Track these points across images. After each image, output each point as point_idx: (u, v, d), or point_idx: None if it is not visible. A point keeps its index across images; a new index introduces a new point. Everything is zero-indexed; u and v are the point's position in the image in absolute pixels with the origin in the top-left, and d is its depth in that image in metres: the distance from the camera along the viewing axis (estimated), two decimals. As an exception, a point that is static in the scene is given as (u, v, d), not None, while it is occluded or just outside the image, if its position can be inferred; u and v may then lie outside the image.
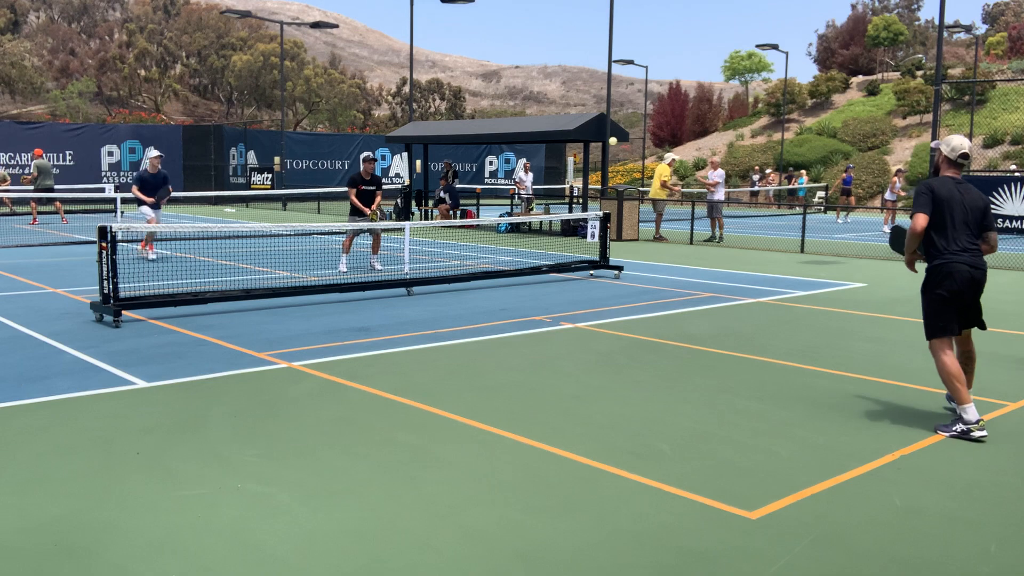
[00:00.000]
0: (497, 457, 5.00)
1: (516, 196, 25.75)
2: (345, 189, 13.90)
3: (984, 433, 5.38)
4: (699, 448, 5.20)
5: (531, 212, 23.75)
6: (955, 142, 5.73)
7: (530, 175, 24.76)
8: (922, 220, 5.57)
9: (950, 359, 5.55)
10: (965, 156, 5.73)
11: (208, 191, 32.60)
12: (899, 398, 6.35)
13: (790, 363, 7.48)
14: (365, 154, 13.82)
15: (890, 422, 5.78)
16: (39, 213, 25.10)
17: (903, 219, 28.71)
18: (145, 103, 63.24)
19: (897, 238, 6.36)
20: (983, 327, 5.84)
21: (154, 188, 13.89)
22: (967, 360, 5.87)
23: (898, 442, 5.34)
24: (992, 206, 15.34)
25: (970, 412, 5.41)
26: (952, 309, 5.62)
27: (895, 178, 25.04)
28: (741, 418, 5.82)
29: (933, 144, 6.15)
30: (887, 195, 25.13)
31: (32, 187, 22.35)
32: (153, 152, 14.10)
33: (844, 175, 30.39)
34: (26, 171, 23.17)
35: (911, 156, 39.85)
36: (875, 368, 7.30)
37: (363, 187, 13.26)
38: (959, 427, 5.43)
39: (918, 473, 4.82)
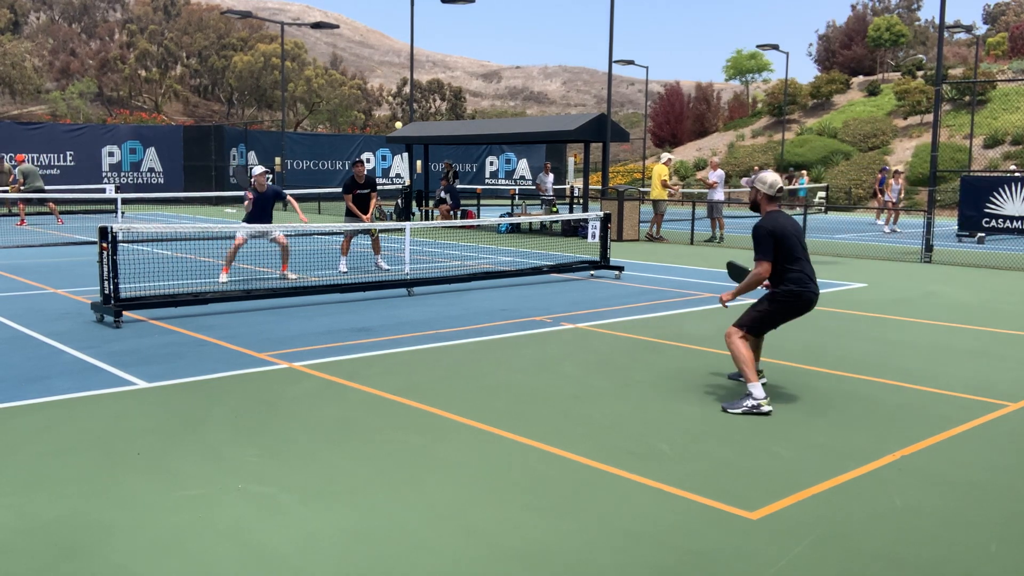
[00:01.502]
0: (498, 457, 5.01)
1: (518, 197, 25.71)
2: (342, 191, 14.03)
3: (771, 408, 5.94)
4: (699, 448, 5.21)
5: (554, 213, 23.48)
6: (770, 179, 6.24)
7: (550, 176, 24.26)
8: (767, 268, 6.10)
9: (747, 348, 6.15)
10: (780, 190, 6.27)
11: (208, 191, 32.60)
12: (899, 398, 6.35)
13: (790, 363, 7.48)
14: (364, 158, 13.86)
15: (890, 422, 5.79)
16: (35, 214, 25.09)
17: (885, 227, 28.68)
18: (146, 103, 63.29)
19: (735, 273, 6.90)
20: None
21: (264, 206, 12.19)
22: (758, 348, 6.51)
23: (898, 442, 5.34)
24: (992, 206, 15.44)
25: (759, 389, 5.98)
26: (779, 320, 6.29)
27: (893, 179, 24.97)
28: (741, 418, 5.82)
29: (744, 181, 6.68)
30: (886, 195, 25.12)
31: (22, 190, 22.26)
32: (258, 168, 11.88)
33: (879, 175, 28.92)
34: (14, 174, 23.00)
35: (912, 156, 39.84)
36: (875, 368, 7.30)
37: (358, 191, 13.43)
38: (749, 402, 5.95)
39: (918, 473, 4.83)
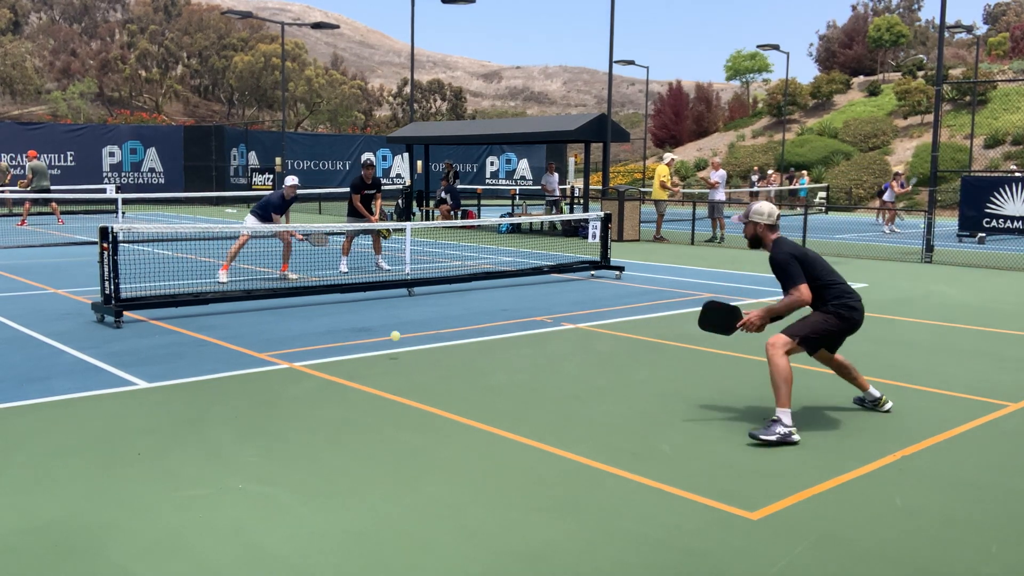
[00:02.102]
0: (498, 457, 5.01)
1: (519, 197, 25.67)
2: (347, 190, 14.07)
3: (799, 437, 5.31)
4: (699, 448, 5.20)
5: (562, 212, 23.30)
6: (766, 209, 5.79)
7: (555, 176, 24.02)
8: (807, 290, 5.54)
9: (789, 364, 5.55)
10: (779, 218, 5.85)
11: (209, 191, 32.59)
12: (899, 398, 6.34)
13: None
14: (365, 158, 13.84)
15: (890, 422, 5.78)
16: (37, 214, 25.08)
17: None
18: (146, 104, 63.30)
19: (709, 315, 5.94)
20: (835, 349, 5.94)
21: (281, 209, 12.85)
22: (845, 368, 6.00)
23: (898, 442, 5.34)
24: (993, 206, 15.44)
25: (788, 416, 5.37)
26: (837, 337, 5.76)
27: (894, 182, 24.92)
28: (741, 418, 5.82)
29: (736, 218, 6.25)
30: (886, 196, 25.10)
31: (28, 189, 22.28)
32: (291, 180, 12.63)
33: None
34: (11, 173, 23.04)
35: (912, 156, 39.82)
36: (875, 368, 7.29)
37: (365, 192, 13.51)
38: (780, 430, 5.29)
39: (918, 473, 4.82)
